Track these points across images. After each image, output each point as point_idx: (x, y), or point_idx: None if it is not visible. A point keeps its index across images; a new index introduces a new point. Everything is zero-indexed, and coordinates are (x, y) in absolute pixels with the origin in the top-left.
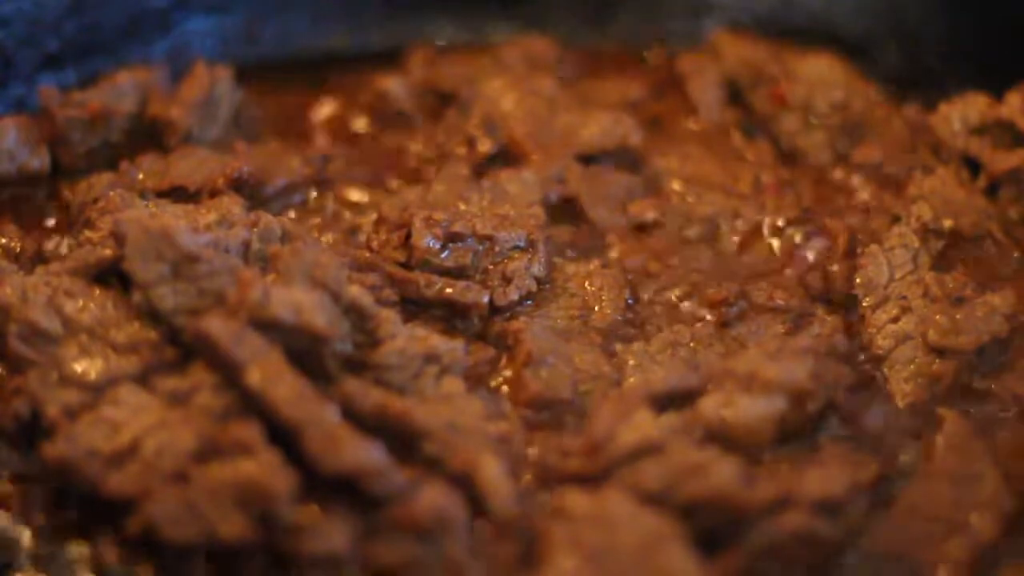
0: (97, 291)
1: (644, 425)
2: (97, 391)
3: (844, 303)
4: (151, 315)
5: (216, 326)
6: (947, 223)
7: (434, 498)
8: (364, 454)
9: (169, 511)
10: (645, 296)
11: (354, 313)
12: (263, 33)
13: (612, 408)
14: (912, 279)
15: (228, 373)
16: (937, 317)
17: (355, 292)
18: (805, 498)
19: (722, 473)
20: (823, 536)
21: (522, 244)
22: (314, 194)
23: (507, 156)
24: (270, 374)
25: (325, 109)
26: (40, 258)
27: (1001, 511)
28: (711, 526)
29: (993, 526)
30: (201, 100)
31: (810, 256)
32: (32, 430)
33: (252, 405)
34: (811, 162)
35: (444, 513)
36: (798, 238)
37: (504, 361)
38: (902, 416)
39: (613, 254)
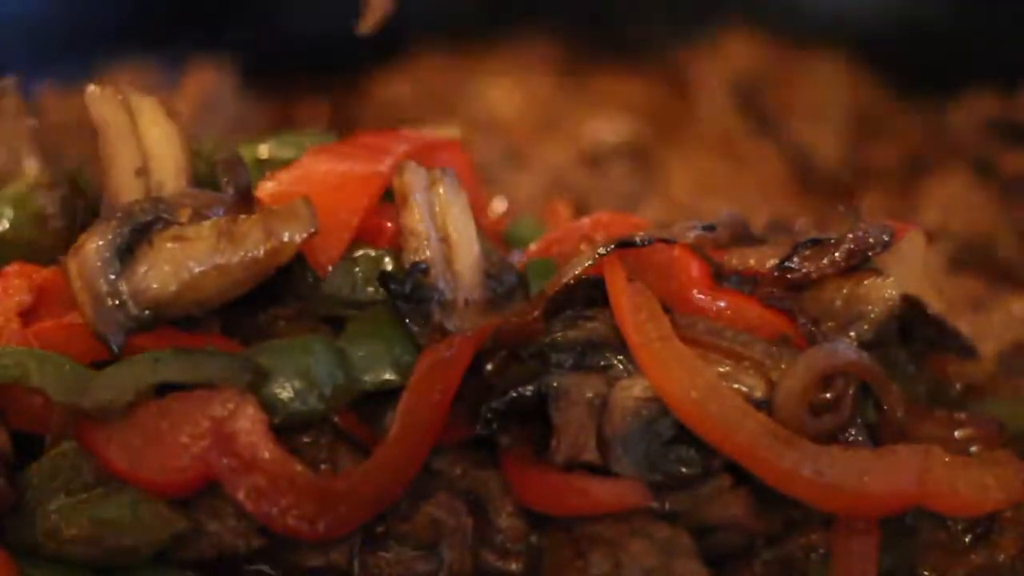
0: None
1: None
2: None
3: None
4: None
5: None
6: (959, 225)
7: (433, 511)
8: None
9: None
10: None
11: None
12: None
13: None
14: (926, 283)
15: None
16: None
17: None
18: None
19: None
20: None
21: None
22: None
23: (510, 157)
24: None
25: (326, 110)
26: None
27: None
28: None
29: (1015, 540)
30: (202, 101)
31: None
32: None
33: None
34: (820, 164)
35: (444, 526)
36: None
37: None
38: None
39: None
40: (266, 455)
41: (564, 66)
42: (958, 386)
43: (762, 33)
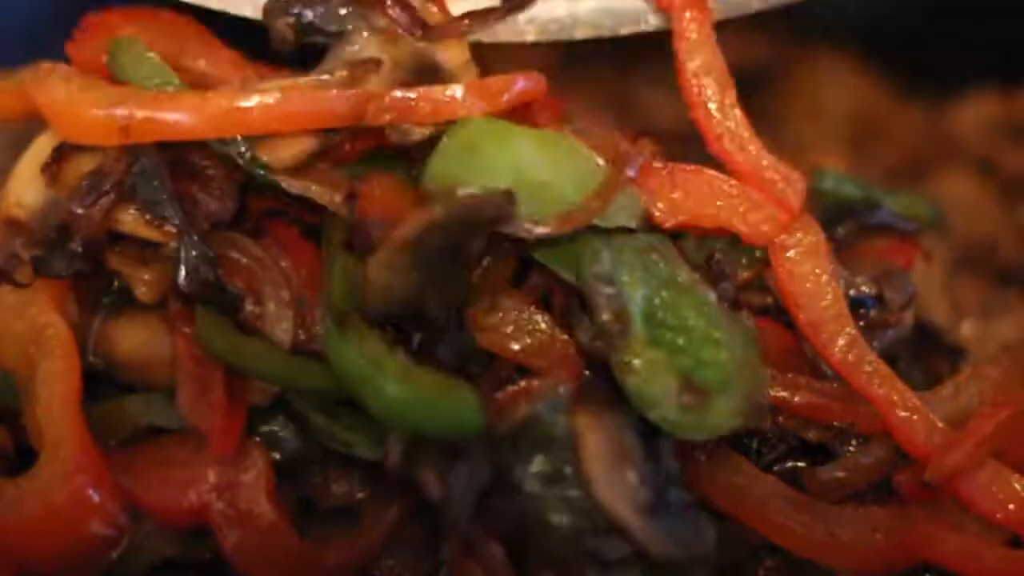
0: None
1: None
2: None
3: None
4: None
5: None
6: (960, 226)
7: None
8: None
9: None
10: None
11: None
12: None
13: None
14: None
15: None
16: (962, 324)
17: None
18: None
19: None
20: None
21: None
22: None
23: None
24: None
25: None
26: None
27: None
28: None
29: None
30: None
31: None
32: None
33: None
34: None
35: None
36: None
37: None
38: None
39: None
40: (263, 513)
41: (563, 66)
42: None
43: (761, 30)
